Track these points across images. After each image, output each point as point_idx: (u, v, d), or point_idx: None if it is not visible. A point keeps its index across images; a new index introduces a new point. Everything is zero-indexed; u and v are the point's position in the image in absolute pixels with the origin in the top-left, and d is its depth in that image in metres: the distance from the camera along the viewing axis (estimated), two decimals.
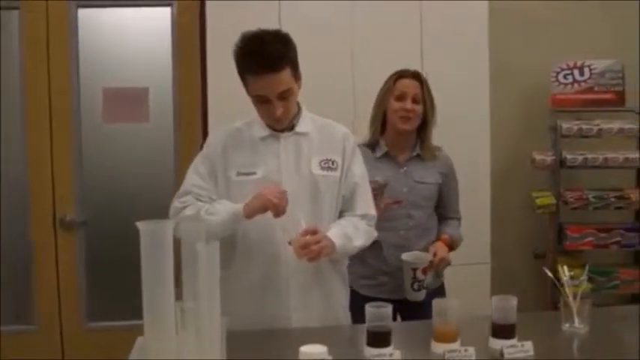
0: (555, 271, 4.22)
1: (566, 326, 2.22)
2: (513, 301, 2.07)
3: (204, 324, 1.79)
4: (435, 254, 2.84)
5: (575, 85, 4.30)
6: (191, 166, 2.48)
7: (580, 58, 4.31)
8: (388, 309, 2.01)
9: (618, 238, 4.12)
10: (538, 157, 4.19)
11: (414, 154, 2.94)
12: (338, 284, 2.50)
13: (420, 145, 2.95)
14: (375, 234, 2.53)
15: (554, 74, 4.30)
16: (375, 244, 2.71)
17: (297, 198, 2.36)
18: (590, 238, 4.13)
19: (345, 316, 2.50)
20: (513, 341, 2.03)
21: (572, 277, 4.11)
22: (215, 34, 3.75)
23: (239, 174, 2.39)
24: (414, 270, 2.79)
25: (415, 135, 2.95)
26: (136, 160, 4.28)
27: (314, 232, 2.23)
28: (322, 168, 2.42)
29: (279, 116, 2.32)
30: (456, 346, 2.02)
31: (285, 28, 3.69)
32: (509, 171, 4.48)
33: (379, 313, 2.00)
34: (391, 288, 2.89)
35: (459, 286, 3.42)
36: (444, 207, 3.04)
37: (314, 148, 2.44)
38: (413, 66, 3.06)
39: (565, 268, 2.38)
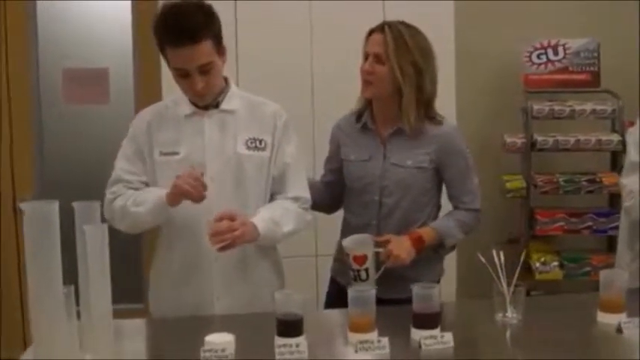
0: (527, 257, 4.18)
1: (499, 316, 2.10)
2: (435, 290, 1.96)
3: (90, 308, 1.73)
4: (386, 246, 2.36)
5: (549, 65, 4.16)
6: (120, 150, 2.38)
7: (555, 37, 4.17)
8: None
9: (590, 223, 3.98)
10: (509, 139, 4.06)
11: (396, 127, 2.45)
12: (267, 271, 2.38)
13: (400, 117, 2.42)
14: (309, 217, 2.39)
15: (528, 54, 4.16)
16: (350, 232, 2.48)
17: (221, 179, 2.26)
18: (560, 223, 4.00)
19: None
20: (434, 331, 1.92)
21: (543, 263, 4.09)
22: None
23: (162, 154, 2.29)
24: (348, 256, 2.37)
25: (397, 104, 2.43)
26: (97, 141, 4.18)
27: (231, 218, 2.12)
28: (248, 147, 2.31)
29: (199, 90, 2.20)
30: (371, 336, 1.91)
31: (242, 18, 3.71)
32: (482, 154, 4.33)
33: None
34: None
35: None
36: (449, 194, 2.54)
37: (240, 127, 2.32)
38: None
39: (502, 253, 2.21)
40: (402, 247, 2.36)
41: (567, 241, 4.23)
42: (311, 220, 2.42)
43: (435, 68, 2.48)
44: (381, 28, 2.42)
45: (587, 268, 4.00)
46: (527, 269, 4.12)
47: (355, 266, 2.34)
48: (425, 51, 2.45)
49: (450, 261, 3.82)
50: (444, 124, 2.50)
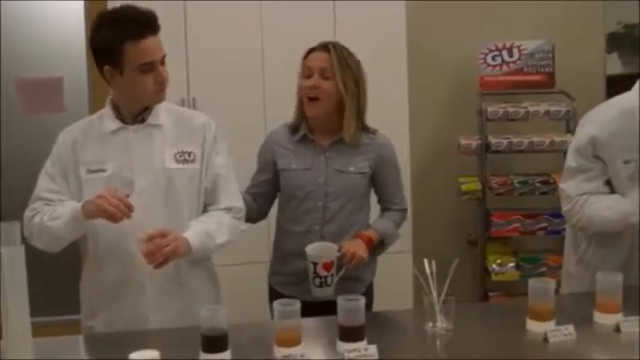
0: (484, 259, 4.21)
1: (429, 326, 2.10)
2: (360, 303, 1.96)
3: (8, 330, 1.71)
4: (345, 249, 2.50)
5: (504, 66, 4.18)
6: (43, 167, 2.35)
7: (510, 39, 4.19)
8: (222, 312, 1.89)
9: (545, 224, 4.01)
10: (464, 141, 4.08)
11: (338, 137, 2.59)
12: (202, 284, 2.37)
13: (342, 128, 2.58)
14: (242, 227, 2.39)
15: (482, 55, 4.17)
16: (291, 239, 2.62)
17: (149, 194, 2.24)
18: (516, 225, 4.02)
19: None
20: (358, 344, 1.92)
21: (499, 265, 4.12)
22: None
23: (89, 172, 2.25)
24: (315, 264, 2.46)
25: (338, 116, 2.59)
26: None
27: (162, 236, 2.11)
28: (177, 161, 2.29)
29: (165, 81, 2.22)
30: (296, 350, 1.91)
31: (192, 22, 3.70)
32: (438, 156, 4.38)
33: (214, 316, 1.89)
34: (307, 287, 2.55)
35: (378, 276, 3.35)
36: (380, 197, 2.74)
37: (168, 140, 2.30)
38: None
39: (433, 263, 2.21)
40: (360, 248, 2.54)
41: (524, 241, 4.26)
42: (245, 230, 2.41)
43: (366, 84, 2.67)
44: (324, 47, 2.58)
45: (543, 269, 4.03)
46: (485, 271, 4.15)
47: (323, 273, 2.46)
48: (360, 69, 2.65)
49: (406, 264, 3.87)
50: (377, 134, 2.68)
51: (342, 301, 1.96)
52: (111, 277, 2.28)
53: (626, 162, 2.42)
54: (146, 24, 2.16)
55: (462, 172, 4.24)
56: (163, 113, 2.33)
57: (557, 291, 2.61)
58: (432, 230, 4.33)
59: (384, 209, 2.76)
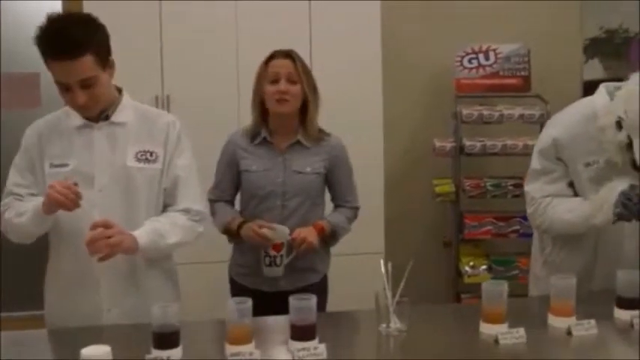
0: (457, 261, 4.23)
1: (382, 327, 2.11)
2: (311, 302, 1.97)
3: None
4: (296, 234, 2.67)
5: (481, 69, 4.21)
6: (13, 162, 2.37)
7: (486, 42, 4.21)
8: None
9: (517, 227, 4.04)
10: (438, 144, 4.10)
11: (295, 140, 2.77)
12: (159, 283, 2.37)
13: (301, 130, 2.76)
14: (199, 229, 2.39)
15: (459, 58, 4.20)
16: None
17: (109, 191, 2.25)
18: (488, 227, 4.05)
19: None
20: (309, 343, 1.93)
21: (472, 267, 4.13)
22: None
23: (52, 166, 2.26)
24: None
25: (297, 120, 2.78)
26: None
27: (106, 226, 2.11)
28: (139, 160, 2.29)
29: (81, 105, 2.18)
30: (246, 348, 1.92)
31: (168, 20, 3.71)
32: (414, 158, 4.40)
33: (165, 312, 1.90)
34: (265, 279, 2.76)
35: (348, 276, 3.37)
36: (334, 195, 2.90)
37: (131, 139, 2.30)
38: (301, 54, 2.89)
39: (389, 264, 2.21)
40: (311, 234, 2.69)
41: (498, 244, 4.28)
42: (202, 232, 2.41)
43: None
44: (286, 55, 2.75)
45: (515, 272, 4.05)
46: (458, 273, 4.17)
47: (273, 253, 2.67)
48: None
49: (376, 266, 3.88)
50: (331, 136, 2.84)
51: (293, 301, 1.97)
52: (68, 272, 2.28)
53: (586, 165, 2.44)
54: (66, 48, 2.10)
55: (438, 174, 4.26)
56: (129, 111, 2.34)
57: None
58: (407, 232, 4.35)
59: (337, 206, 2.90)
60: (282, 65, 2.72)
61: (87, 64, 2.13)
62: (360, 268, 3.60)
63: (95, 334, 2.09)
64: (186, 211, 2.34)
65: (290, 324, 1.97)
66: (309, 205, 2.79)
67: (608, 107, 2.36)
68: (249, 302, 1.95)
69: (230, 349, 1.92)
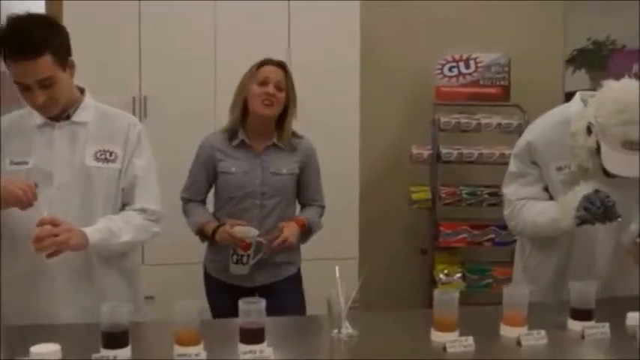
0: (432, 268, 4.24)
1: (334, 332, 2.12)
2: (261, 305, 1.98)
3: None
4: (285, 235, 2.80)
5: (461, 78, 4.23)
6: None
7: (467, 51, 4.23)
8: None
9: (492, 236, 4.06)
10: (415, 151, 4.12)
11: (271, 142, 2.89)
12: (115, 282, 2.38)
13: (277, 134, 2.89)
14: (155, 229, 2.42)
15: (440, 66, 4.22)
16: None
17: (68, 190, 2.27)
18: (463, 235, 4.07)
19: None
20: (256, 346, 1.94)
21: (447, 275, 4.15)
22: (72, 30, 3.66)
23: (12, 163, 2.27)
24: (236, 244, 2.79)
25: (274, 124, 2.90)
26: None
27: (53, 223, 2.12)
28: (98, 159, 2.31)
29: (40, 104, 2.20)
30: (193, 349, 1.93)
31: (146, 21, 3.73)
32: (394, 165, 4.41)
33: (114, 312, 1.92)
34: (244, 276, 2.87)
35: (322, 281, 3.37)
36: (302, 194, 3.00)
37: (91, 139, 2.33)
38: (279, 58, 2.95)
39: (337, 269, 2.23)
40: (293, 233, 2.82)
41: (473, 252, 4.29)
42: (158, 232, 2.44)
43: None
44: (279, 64, 2.89)
45: (489, 280, 4.07)
46: (433, 280, 4.18)
47: (240, 252, 2.79)
48: None
49: (351, 270, 3.89)
50: (303, 138, 2.96)
51: (242, 304, 1.98)
52: (24, 270, 2.29)
53: (558, 169, 2.51)
54: (24, 48, 2.12)
55: (415, 181, 4.27)
56: (90, 111, 2.36)
57: None
58: (383, 238, 4.37)
59: (305, 205, 3.02)
60: (274, 72, 2.86)
61: (45, 64, 2.15)
62: (334, 273, 3.61)
63: (49, 333, 2.08)
64: (143, 210, 2.37)
65: (239, 327, 1.98)
66: (285, 205, 2.92)
67: (581, 113, 2.41)
68: (197, 304, 1.97)
69: (177, 349, 1.94)
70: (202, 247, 3.64)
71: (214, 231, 2.82)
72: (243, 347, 1.96)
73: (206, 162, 2.91)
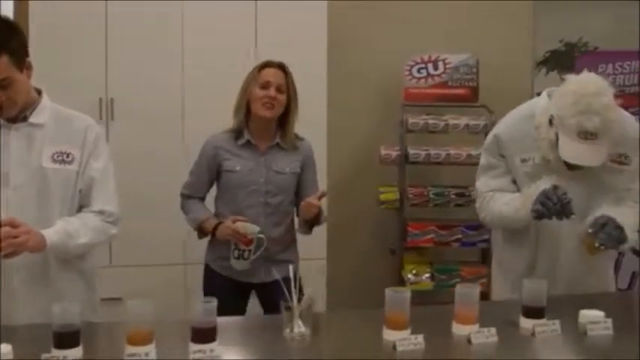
0: (401, 268, 4.26)
1: (287, 331, 2.14)
2: (213, 304, 1.99)
3: None
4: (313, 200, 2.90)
5: (429, 79, 4.25)
6: None
7: (436, 52, 4.25)
8: None
9: (459, 236, 4.08)
10: (384, 151, 4.14)
11: (274, 142, 2.99)
12: (72, 284, 2.38)
13: (280, 134, 2.99)
14: (113, 231, 2.43)
15: (408, 67, 4.24)
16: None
17: (24, 191, 2.27)
18: (431, 235, 4.10)
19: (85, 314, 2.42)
20: (206, 346, 1.96)
21: (415, 274, 4.17)
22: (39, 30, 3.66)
23: None
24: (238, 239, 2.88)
25: (276, 124, 3.00)
26: None
27: (12, 225, 2.12)
28: (54, 161, 2.31)
29: None
30: (143, 349, 1.94)
31: (113, 23, 3.72)
32: (364, 166, 4.43)
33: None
34: (244, 272, 2.98)
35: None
36: (301, 193, 3.07)
37: (48, 140, 2.33)
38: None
39: (291, 267, 2.25)
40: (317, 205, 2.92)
41: (442, 252, 4.32)
42: (116, 234, 2.44)
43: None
44: (280, 67, 2.98)
45: (457, 280, 4.09)
46: (401, 280, 4.20)
47: (242, 247, 2.88)
48: None
49: (319, 270, 3.92)
50: (304, 140, 3.09)
51: (194, 304, 1.99)
52: None
53: (523, 160, 2.59)
54: None
55: (384, 181, 4.30)
56: (47, 113, 2.36)
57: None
58: (351, 238, 4.39)
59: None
60: (275, 75, 2.95)
61: (2, 65, 2.16)
62: (302, 273, 3.63)
63: (5, 333, 2.10)
64: (100, 212, 2.37)
65: (191, 326, 1.99)
66: (287, 203, 3.04)
67: (545, 107, 2.50)
68: (150, 304, 1.97)
69: (128, 349, 1.94)
70: (173, 249, 3.67)
71: (215, 227, 2.92)
72: (193, 347, 1.97)
73: (210, 161, 2.99)
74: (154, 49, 3.75)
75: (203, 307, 1.99)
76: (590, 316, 2.23)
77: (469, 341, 2.08)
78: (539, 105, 2.56)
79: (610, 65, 4.13)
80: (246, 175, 2.95)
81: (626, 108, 4.07)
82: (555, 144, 2.43)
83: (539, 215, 2.42)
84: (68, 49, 3.63)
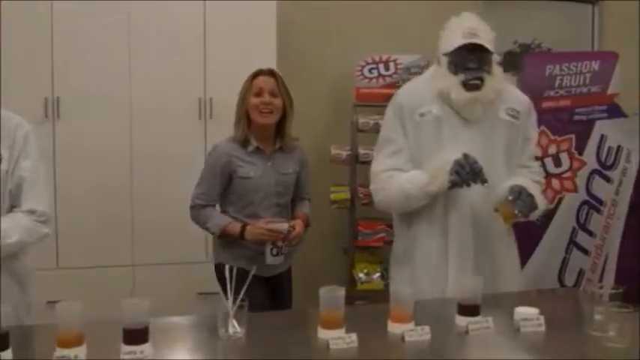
0: (353, 267, 4.27)
1: (221, 331, 2.14)
2: (143, 305, 1.99)
3: None
4: (293, 228, 3.09)
5: (380, 79, 4.27)
6: None
7: (387, 53, 4.28)
8: None
9: None
10: (334, 151, 4.16)
11: (277, 146, 3.13)
12: (3, 283, 2.37)
13: (280, 137, 3.13)
14: (44, 230, 2.41)
15: (360, 68, 4.26)
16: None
17: None
18: (381, 234, 4.12)
19: (18, 316, 2.40)
20: (137, 347, 1.95)
21: (366, 274, 4.19)
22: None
23: None
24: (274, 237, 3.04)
25: (274, 128, 3.12)
26: None
27: None
28: None
29: None
30: (72, 351, 1.93)
31: (58, 22, 3.67)
32: (316, 166, 4.41)
33: None
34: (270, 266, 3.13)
35: None
36: (296, 190, 3.27)
37: None
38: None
39: (234, 268, 2.25)
40: (302, 227, 3.16)
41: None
42: (48, 233, 2.43)
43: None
44: (270, 73, 3.10)
45: None
46: (353, 279, 4.22)
47: (280, 243, 3.07)
48: None
49: None
50: (298, 141, 3.26)
51: (125, 305, 1.99)
52: None
53: (421, 115, 2.75)
54: None
55: (336, 181, 4.31)
56: None
57: None
58: (306, 238, 4.35)
59: (297, 199, 3.31)
60: (265, 81, 3.07)
61: None
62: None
63: None
64: (31, 212, 2.36)
65: (122, 328, 1.99)
66: (291, 201, 3.25)
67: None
68: (78, 305, 1.97)
69: (58, 351, 1.93)
70: (121, 249, 3.64)
71: (242, 230, 3.02)
72: (125, 348, 1.96)
73: (223, 169, 3.07)
74: (101, 48, 3.72)
75: (133, 309, 1.99)
76: (523, 313, 2.26)
77: (403, 339, 2.10)
78: (437, 70, 2.80)
79: (557, 66, 4.18)
80: (259, 180, 3.07)
81: (573, 108, 4.19)
82: (449, 94, 2.69)
83: (454, 184, 2.57)
84: (13, 48, 3.59)
